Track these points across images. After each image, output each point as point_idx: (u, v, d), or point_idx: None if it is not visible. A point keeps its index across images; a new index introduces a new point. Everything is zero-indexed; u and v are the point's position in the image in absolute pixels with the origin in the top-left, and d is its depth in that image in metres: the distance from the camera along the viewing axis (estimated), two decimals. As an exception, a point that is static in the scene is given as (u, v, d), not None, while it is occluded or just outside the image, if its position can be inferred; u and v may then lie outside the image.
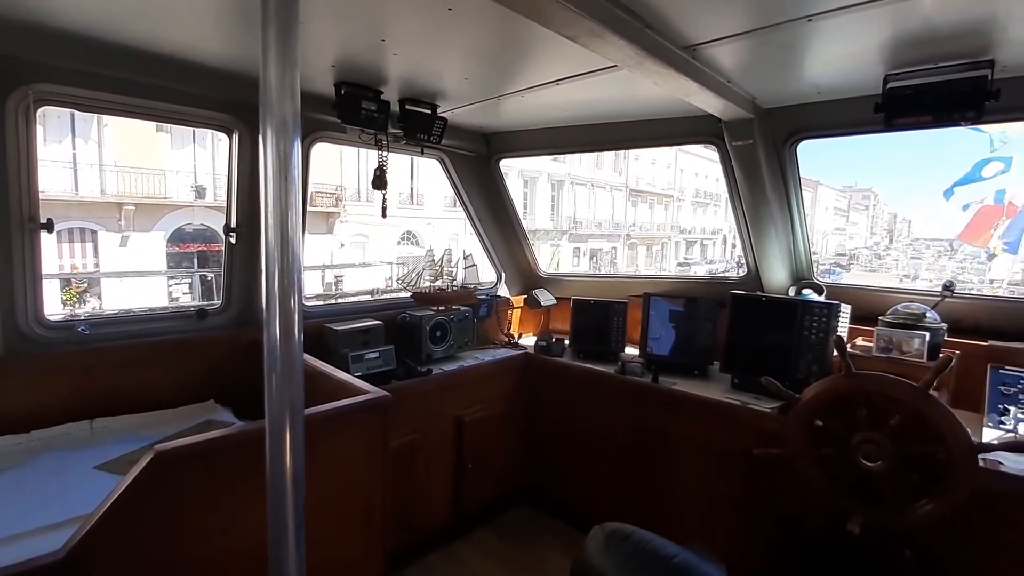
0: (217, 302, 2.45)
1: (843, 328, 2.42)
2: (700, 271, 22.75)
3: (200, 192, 13.45)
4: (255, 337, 2.33)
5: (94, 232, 12.09)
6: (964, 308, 2.35)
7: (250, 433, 1.31)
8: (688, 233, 27.72)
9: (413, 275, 2.84)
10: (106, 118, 11.36)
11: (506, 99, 2.36)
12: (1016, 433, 1.93)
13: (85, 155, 11.82)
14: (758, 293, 2.67)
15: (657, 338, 2.85)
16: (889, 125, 1.86)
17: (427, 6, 1.45)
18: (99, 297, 12.29)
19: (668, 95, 2.02)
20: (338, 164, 15.28)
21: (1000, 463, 1.71)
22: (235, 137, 2.27)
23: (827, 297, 2.61)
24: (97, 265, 12.19)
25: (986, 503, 1.63)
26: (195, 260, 13.77)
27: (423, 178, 17.06)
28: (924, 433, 1.65)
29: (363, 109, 2.24)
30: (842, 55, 1.77)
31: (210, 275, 13.54)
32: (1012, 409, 2.04)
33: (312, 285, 14.07)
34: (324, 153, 12.90)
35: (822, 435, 1.85)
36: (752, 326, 2.47)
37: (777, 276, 2.75)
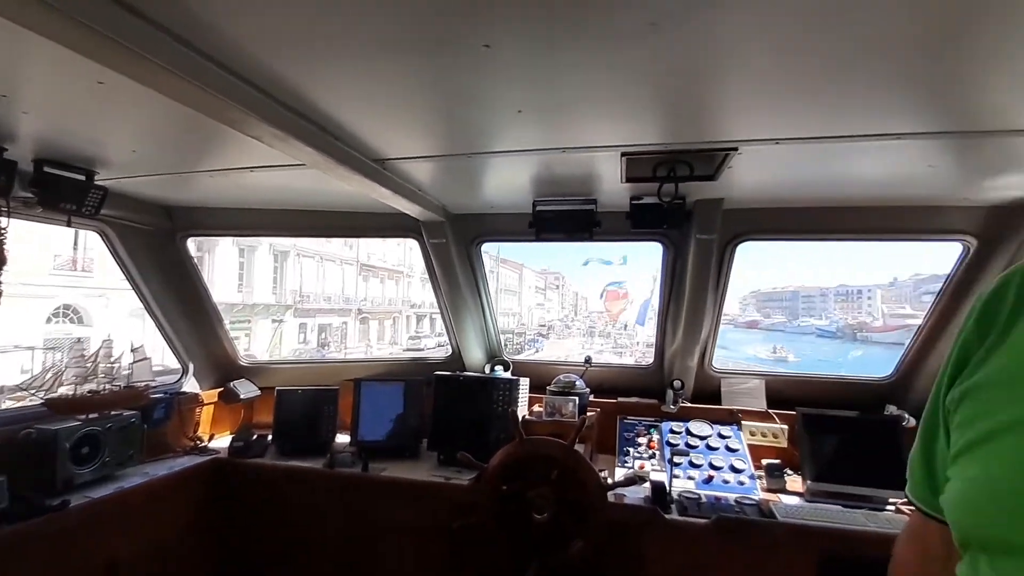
0: None
1: (524, 398, 2.88)
2: (430, 343, 23.94)
3: None
4: None
5: None
6: (602, 374, 3.09)
7: None
8: (418, 307, 29.09)
9: (48, 376, 2.17)
10: None
11: (192, 176, 2.15)
12: (633, 469, 2.58)
13: None
14: (457, 372, 2.97)
15: (369, 423, 2.86)
16: (539, 237, 2.41)
17: (70, 73, 1.25)
18: None
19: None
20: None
21: (624, 496, 2.25)
22: None
23: (513, 372, 3.08)
24: None
25: (620, 531, 2.10)
26: None
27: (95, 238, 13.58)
28: (574, 482, 2.05)
29: (-34, 167, 1.71)
30: (504, 184, 2.23)
31: None
32: (631, 450, 2.73)
33: None
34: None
35: (509, 497, 2.11)
36: (454, 403, 2.72)
37: (476, 355, 3.13)
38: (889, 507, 2.19)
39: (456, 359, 3.18)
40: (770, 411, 2.73)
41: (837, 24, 0.96)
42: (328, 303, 22.46)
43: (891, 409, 2.64)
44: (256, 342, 17.89)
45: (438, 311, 3.09)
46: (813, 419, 2.54)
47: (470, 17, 0.96)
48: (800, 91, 1.25)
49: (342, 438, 2.91)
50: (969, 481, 0.61)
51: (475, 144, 1.71)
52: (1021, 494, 0.54)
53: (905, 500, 0.75)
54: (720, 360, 2.98)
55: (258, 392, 3.11)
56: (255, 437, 2.75)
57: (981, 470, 0.60)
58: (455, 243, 2.69)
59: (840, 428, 2.50)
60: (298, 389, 2.89)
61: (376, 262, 25.66)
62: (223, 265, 16.94)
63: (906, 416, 2.51)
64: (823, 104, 1.32)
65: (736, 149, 1.62)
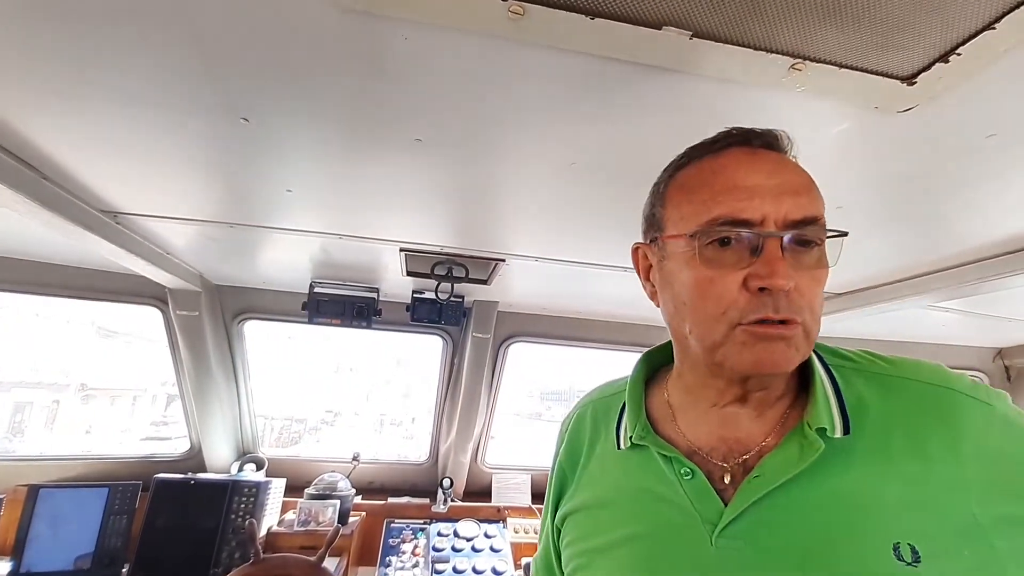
0: None
1: (275, 503, 2.49)
2: (178, 430, 19.76)
3: None
4: None
5: None
6: (371, 471, 2.87)
7: None
8: (173, 384, 24.09)
9: None
10: None
11: None
12: (396, 581, 2.36)
13: None
14: (188, 475, 2.44)
15: (46, 546, 2.12)
16: (311, 320, 2.24)
17: None
18: None
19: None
20: None
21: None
22: None
23: (268, 471, 2.67)
24: None
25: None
26: None
27: None
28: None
29: None
30: (277, 260, 2.03)
31: None
32: (393, 559, 2.52)
33: None
34: None
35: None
36: (177, 514, 2.20)
37: (222, 453, 2.64)
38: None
39: (196, 456, 2.63)
40: (532, 506, 2.84)
41: (581, 178, 1.16)
42: (35, 374, 17.10)
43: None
44: None
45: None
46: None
47: (223, 82, 0.88)
48: (554, 220, 1.46)
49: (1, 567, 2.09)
50: None
51: (240, 215, 1.54)
52: None
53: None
54: (509, 452, 3.05)
55: None
56: None
57: None
58: (211, 317, 2.33)
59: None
60: (-78, 504, 2.02)
61: (120, 326, 20.83)
62: None
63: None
64: (572, 234, 1.55)
65: (504, 260, 1.78)
